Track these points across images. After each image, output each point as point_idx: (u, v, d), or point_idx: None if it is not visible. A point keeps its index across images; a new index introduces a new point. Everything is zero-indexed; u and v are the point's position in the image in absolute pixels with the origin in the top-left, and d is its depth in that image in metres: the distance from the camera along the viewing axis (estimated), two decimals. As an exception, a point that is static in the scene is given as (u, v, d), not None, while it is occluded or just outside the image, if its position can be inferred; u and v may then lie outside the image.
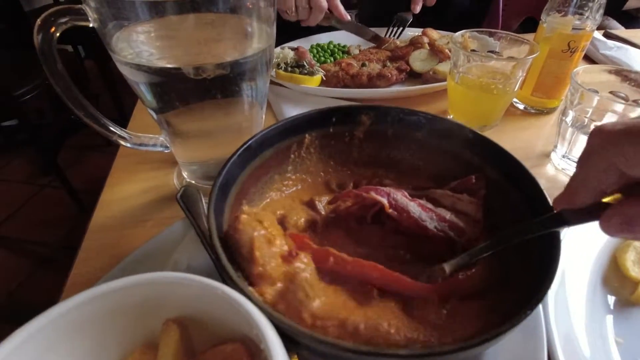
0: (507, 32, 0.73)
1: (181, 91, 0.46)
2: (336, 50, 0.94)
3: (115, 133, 0.48)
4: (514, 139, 0.73)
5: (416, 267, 0.38)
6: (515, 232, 0.35)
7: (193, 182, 0.58)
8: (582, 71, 0.64)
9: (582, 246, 0.47)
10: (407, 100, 0.81)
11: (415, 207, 0.40)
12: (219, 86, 0.46)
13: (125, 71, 0.44)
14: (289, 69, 0.78)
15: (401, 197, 0.41)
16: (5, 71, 1.72)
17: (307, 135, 0.48)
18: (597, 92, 0.62)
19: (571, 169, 0.64)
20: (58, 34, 0.40)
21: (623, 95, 0.63)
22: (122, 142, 0.49)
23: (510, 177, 0.42)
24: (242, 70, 0.47)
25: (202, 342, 0.29)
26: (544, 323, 0.37)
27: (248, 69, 0.47)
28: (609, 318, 0.41)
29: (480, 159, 0.45)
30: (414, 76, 0.85)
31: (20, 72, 1.70)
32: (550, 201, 0.36)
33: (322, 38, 0.98)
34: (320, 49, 0.93)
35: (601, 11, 0.68)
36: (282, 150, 0.47)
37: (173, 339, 0.27)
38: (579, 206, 0.31)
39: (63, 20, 0.40)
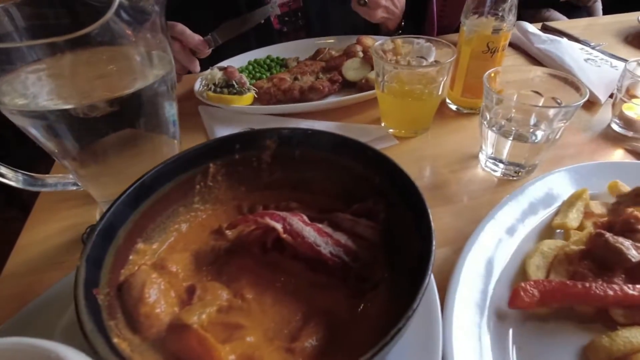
0: (429, 37, 0.74)
1: (75, 132, 0.45)
2: (273, 64, 0.94)
3: (7, 177, 0.46)
4: (447, 142, 0.74)
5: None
6: None
7: (113, 217, 0.57)
8: (501, 71, 0.65)
9: (495, 250, 0.48)
10: (341, 110, 0.81)
11: (311, 232, 0.40)
12: (116, 122, 0.45)
13: (11, 118, 0.43)
14: (218, 89, 0.77)
15: (297, 221, 0.41)
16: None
17: (211, 165, 0.47)
18: (512, 94, 0.63)
19: (498, 169, 0.65)
20: None
21: (540, 92, 0.64)
22: (15, 185, 0.47)
23: (405, 197, 0.41)
24: (138, 102, 0.46)
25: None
26: (442, 335, 0.37)
27: (144, 100, 0.46)
28: (511, 324, 0.41)
29: (381, 178, 0.44)
30: (349, 86, 0.85)
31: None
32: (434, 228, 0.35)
33: (260, 53, 0.97)
34: (256, 65, 0.92)
35: (514, 11, 0.69)
36: (185, 182, 0.45)
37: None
38: None
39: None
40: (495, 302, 0.43)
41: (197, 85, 0.82)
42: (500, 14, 0.68)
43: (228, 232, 0.45)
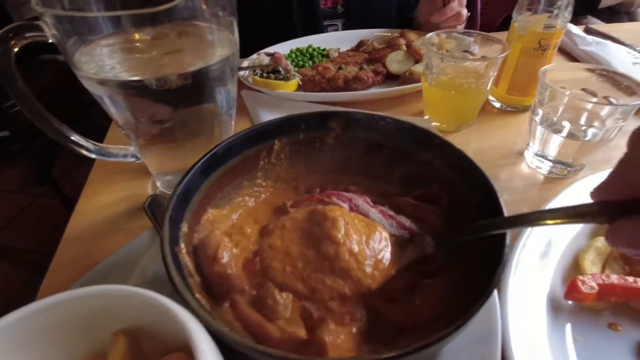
0: (479, 32, 0.74)
1: (146, 104, 0.46)
2: (315, 53, 0.94)
3: (81, 145, 0.49)
4: (490, 138, 0.74)
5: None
6: (515, 219, 0.34)
7: (167, 191, 0.58)
8: (552, 69, 0.65)
9: (547, 246, 0.48)
10: (384, 102, 0.81)
11: (376, 214, 0.41)
12: (183, 96, 0.47)
13: (88, 86, 0.45)
14: (265, 74, 0.78)
15: (362, 202, 0.42)
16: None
17: (276, 142, 0.48)
18: (565, 90, 0.63)
19: (544, 167, 0.65)
20: (16, 50, 0.41)
21: (592, 91, 0.63)
22: (87, 154, 0.49)
23: (470, 183, 0.41)
24: (206, 79, 0.47)
25: (154, 352, 0.30)
26: (501, 324, 0.38)
27: (211, 77, 0.48)
28: (568, 317, 0.41)
29: (445, 164, 0.44)
30: (392, 78, 0.86)
31: (11, 82, 1.71)
32: (504, 207, 0.36)
33: (302, 42, 0.98)
34: (299, 53, 0.93)
35: (570, 8, 0.68)
36: (251, 157, 0.47)
37: (120, 351, 0.28)
38: (615, 196, 0.26)
39: (22, 36, 0.41)
40: (550, 294, 0.43)
41: (242, 70, 0.84)
42: (555, 11, 0.68)
43: (291, 210, 0.46)
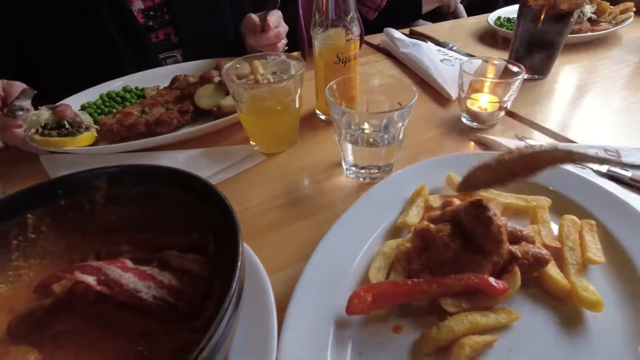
0: (278, 54, 0.75)
1: None
2: (129, 96, 0.87)
3: None
4: (314, 153, 0.75)
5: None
6: None
7: None
8: (359, 79, 0.68)
9: (344, 260, 0.48)
10: (211, 136, 0.78)
11: (131, 278, 0.37)
12: None
13: None
14: (46, 131, 0.69)
15: (114, 269, 0.38)
16: None
17: (29, 216, 0.42)
18: (363, 103, 0.66)
19: (358, 174, 0.67)
20: None
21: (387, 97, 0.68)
22: None
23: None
24: None
25: None
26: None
27: None
28: (355, 330, 0.42)
29: (212, 208, 0.42)
30: (208, 113, 0.82)
31: None
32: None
33: (116, 84, 0.91)
34: (108, 99, 0.85)
35: (356, 22, 0.72)
36: (-5, 239, 0.40)
37: None
38: None
39: None
40: (339, 312, 0.43)
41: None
42: (343, 24, 0.71)
43: (53, 290, 0.41)
